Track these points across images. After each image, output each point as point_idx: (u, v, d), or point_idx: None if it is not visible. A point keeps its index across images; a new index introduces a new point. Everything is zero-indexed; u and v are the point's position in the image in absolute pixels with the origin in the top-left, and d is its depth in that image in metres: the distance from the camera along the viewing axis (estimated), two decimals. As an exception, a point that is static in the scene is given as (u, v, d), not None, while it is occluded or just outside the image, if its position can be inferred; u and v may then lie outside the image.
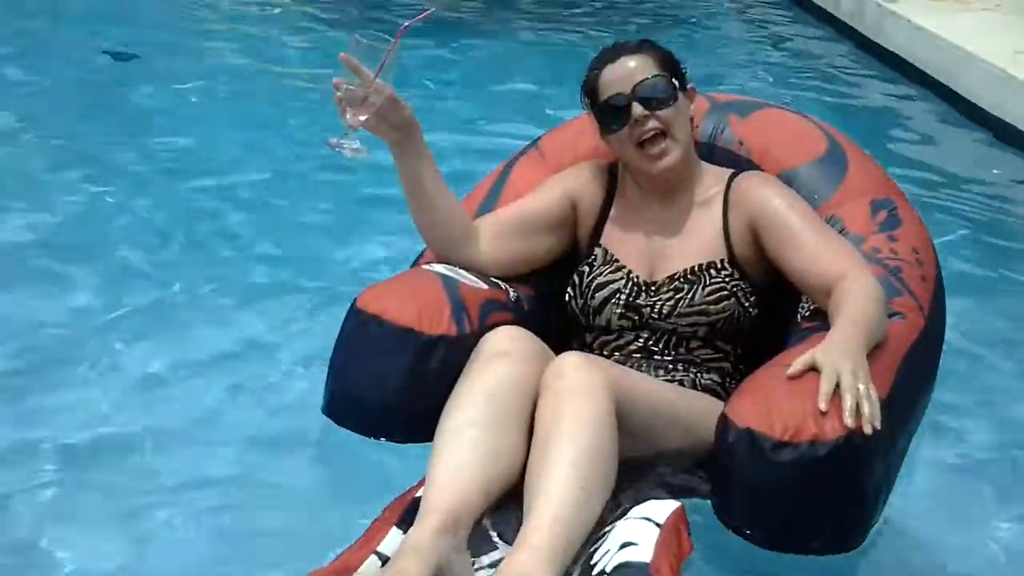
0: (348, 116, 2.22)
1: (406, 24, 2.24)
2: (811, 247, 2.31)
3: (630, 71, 2.39)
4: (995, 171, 5.14)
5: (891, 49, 6.83)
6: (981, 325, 3.52)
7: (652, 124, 2.37)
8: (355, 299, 2.27)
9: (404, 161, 2.36)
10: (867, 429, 1.92)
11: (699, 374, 2.40)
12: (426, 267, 2.42)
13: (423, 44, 6.41)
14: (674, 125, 2.39)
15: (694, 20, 8.02)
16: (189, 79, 5.79)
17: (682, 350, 2.41)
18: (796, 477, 1.91)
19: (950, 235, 4.12)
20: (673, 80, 2.41)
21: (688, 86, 2.46)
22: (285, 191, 4.47)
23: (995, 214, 4.62)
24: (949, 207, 4.58)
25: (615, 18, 7.92)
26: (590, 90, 2.45)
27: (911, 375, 2.19)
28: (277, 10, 7.49)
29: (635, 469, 2.15)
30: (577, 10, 7.99)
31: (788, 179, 2.55)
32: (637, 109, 2.36)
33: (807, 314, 2.35)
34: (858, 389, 1.96)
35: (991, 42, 6.19)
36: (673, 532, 1.98)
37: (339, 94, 2.22)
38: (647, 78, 2.38)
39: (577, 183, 2.54)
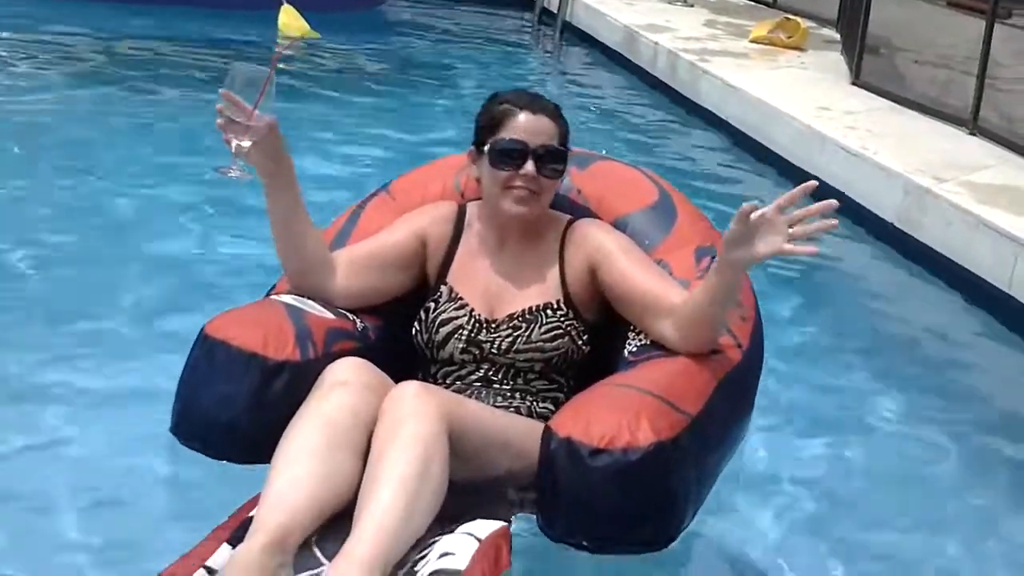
0: (233, 143, 2.30)
1: (278, 51, 2.32)
2: (645, 281, 2.47)
3: (542, 129, 2.52)
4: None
5: (705, 106, 7.15)
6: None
7: (533, 185, 2.50)
8: (203, 326, 2.34)
9: (275, 191, 2.43)
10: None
11: (535, 403, 2.53)
12: (274, 297, 2.51)
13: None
14: (546, 191, 2.54)
15: (517, 82, 8.28)
16: None
17: (520, 381, 2.54)
18: (612, 480, 2.06)
19: (766, 281, 4.39)
20: (566, 158, 2.56)
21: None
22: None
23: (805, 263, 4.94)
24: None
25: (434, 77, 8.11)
26: (494, 120, 2.54)
27: (725, 400, 2.36)
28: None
29: (467, 491, 2.26)
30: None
31: (621, 225, 2.72)
32: (529, 166, 2.49)
33: (634, 350, 2.50)
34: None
35: (797, 99, 6.56)
36: (492, 547, 2.10)
37: (221, 121, 2.29)
38: (553, 146, 2.52)
39: (427, 222, 2.65)
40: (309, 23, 8.57)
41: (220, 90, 2.26)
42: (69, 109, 6.27)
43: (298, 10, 8.72)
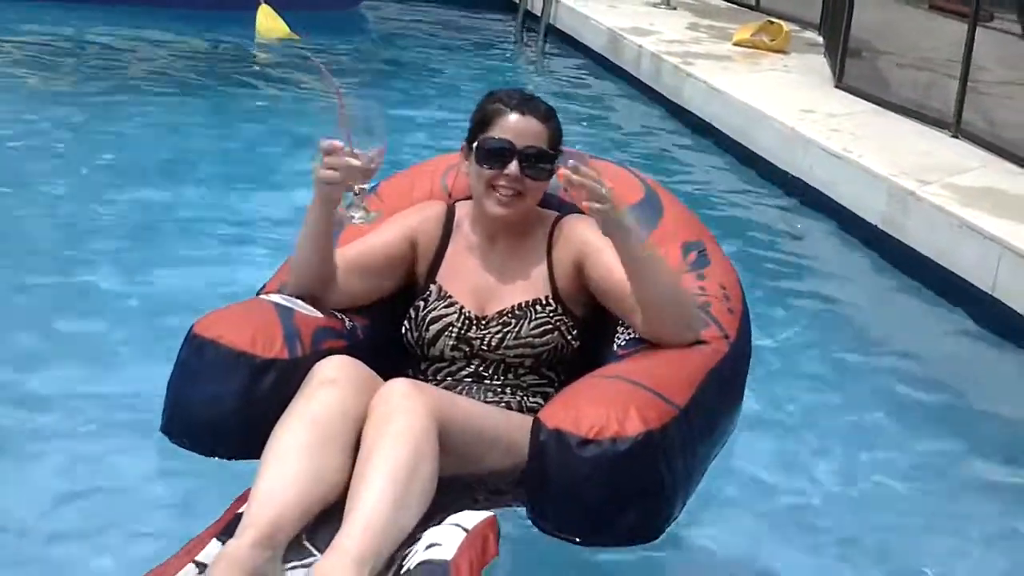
0: (356, 188, 2.29)
1: (330, 80, 2.32)
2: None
3: (530, 131, 2.52)
4: (798, 225, 5.49)
5: (689, 109, 7.16)
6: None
7: (517, 186, 2.51)
8: (193, 324, 2.34)
9: (324, 209, 2.38)
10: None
11: (525, 397, 2.54)
12: (263, 297, 2.51)
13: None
14: (532, 193, 2.55)
15: (500, 85, 8.27)
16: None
17: (510, 376, 2.55)
18: (601, 470, 2.07)
19: (749, 279, 4.40)
20: (555, 161, 2.54)
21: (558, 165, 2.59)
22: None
23: (784, 258, 4.96)
24: (751, 253, 4.90)
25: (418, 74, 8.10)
26: (485, 117, 2.55)
27: (714, 390, 2.38)
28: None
29: (457, 487, 2.27)
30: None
31: None
32: (513, 167, 2.50)
33: (623, 344, 2.52)
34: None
35: (780, 102, 6.57)
36: (479, 537, 2.11)
37: (340, 175, 2.27)
38: (541, 148, 2.52)
39: (416, 222, 2.65)
40: (287, 23, 8.56)
41: (320, 145, 2.25)
42: (49, 114, 6.25)
43: (276, 10, 8.71)
